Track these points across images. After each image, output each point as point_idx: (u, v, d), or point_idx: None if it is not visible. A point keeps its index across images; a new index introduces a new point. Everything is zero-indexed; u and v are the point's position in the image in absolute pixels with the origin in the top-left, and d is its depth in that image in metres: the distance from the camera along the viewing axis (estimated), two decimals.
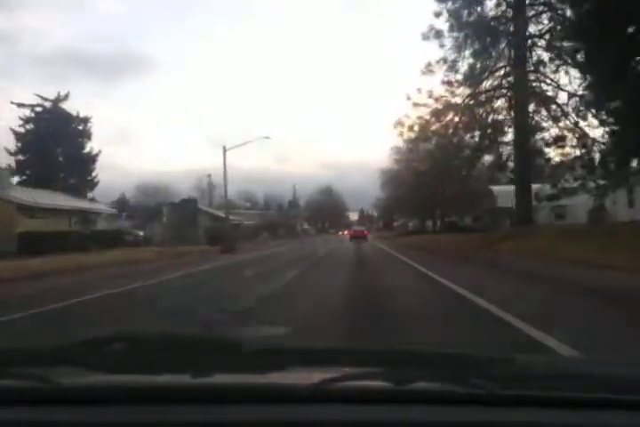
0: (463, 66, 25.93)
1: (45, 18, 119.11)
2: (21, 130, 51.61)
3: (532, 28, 25.61)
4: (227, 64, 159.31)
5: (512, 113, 26.80)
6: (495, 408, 1.16)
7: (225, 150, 41.82)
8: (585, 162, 24.69)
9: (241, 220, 77.64)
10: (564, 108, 26.05)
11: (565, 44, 22.18)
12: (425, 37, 25.50)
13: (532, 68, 26.26)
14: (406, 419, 1.13)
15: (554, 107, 26.37)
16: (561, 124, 26.27)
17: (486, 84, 26.50)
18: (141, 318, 7.82)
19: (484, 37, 24.75)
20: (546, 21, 25.39)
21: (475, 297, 8.62)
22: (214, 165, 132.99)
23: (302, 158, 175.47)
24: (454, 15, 24.80)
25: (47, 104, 53.23)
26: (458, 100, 26.47)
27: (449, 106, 26.33)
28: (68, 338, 4.26)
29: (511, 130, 27.57)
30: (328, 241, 53.30)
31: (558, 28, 23.89)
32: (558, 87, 25.30)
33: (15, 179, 47.06)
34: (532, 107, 26.58)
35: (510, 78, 26.28)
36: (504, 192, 45.36)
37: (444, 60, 25.49)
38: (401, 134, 28.48)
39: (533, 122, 26.78)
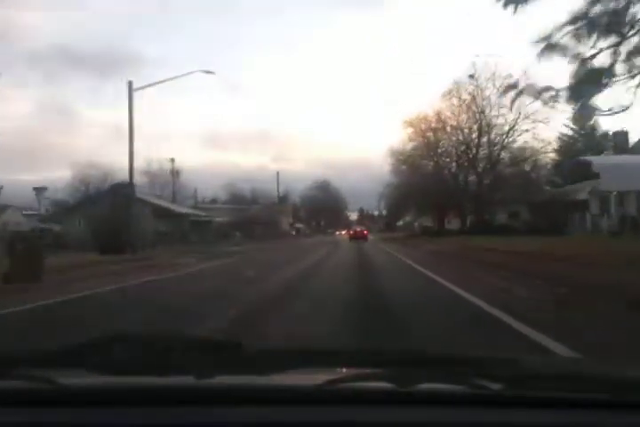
0: None
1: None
2: None
3: None
4: (223, 62, 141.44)
5: None
6: (497, 409, 1.14)
7: (131, 88, 24.42)
8: None
9: (211, 216, 60.48)
10: None
11: None
12: None
13: None
14: (409, 420, 1.12)
15: None
16: None
17: None
18: None
19: None
20: None
21: None
22: (210, 162, 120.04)
23: (300, 157, 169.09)
24: None
25: None
26: None
27: None
28: None
29: None
30: (317, 246, 35.92)
31: None
32: None
33: None
34: None
35: None
36: (615, 166, 27.17)
37: None
38: None
39: None
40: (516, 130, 43.21)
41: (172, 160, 62.36)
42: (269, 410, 1.13)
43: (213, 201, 74.40)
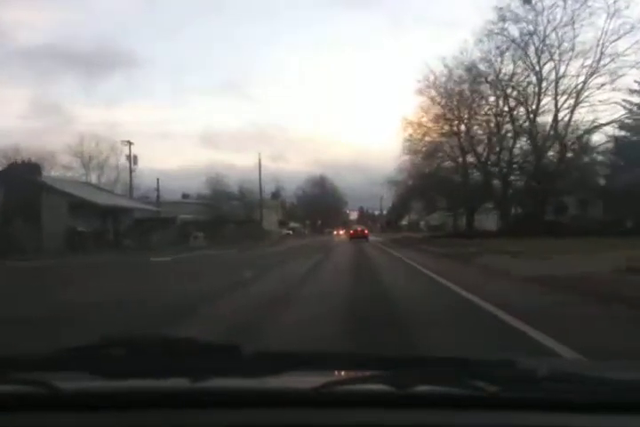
0: None
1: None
2: None
3: None
4: (220, 60, 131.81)
5: None
6: (496, 411, 1.12)
7: None
8: None
9: (173, 213, 47.09)
10: None
11: None
12: None
13: None
14: (408, 422, 1.10)
15: None
16: None
17: None
18: None
19: None
20: None
21: None
22: (203, 161, 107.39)
23: (298, 158, 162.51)
24: None
25: None
26: None
27: None
28: None
29: None
30: (297, 255, 22.60)
31: None
32: None
33: None
34: None
35: None
36: None
37: None
38: None
39: None
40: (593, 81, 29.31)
41: (129, 143, 49.07)
42: (267, 413, 1.12)
43: (185, 196, 60.89)
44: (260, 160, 56.05)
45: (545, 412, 1.11)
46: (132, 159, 49.03)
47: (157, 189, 50.55)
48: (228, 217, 49.15)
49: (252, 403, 1.14)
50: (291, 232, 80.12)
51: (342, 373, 1.44)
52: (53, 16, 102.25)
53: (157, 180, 52.20)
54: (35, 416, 1.14)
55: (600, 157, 33.53)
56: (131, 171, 48.78)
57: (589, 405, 1.13)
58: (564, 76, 29.44)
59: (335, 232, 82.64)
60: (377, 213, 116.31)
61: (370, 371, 1.37)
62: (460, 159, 36.34)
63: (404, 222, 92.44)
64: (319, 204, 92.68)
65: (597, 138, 31.92)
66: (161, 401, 1.16)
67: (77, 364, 1.41)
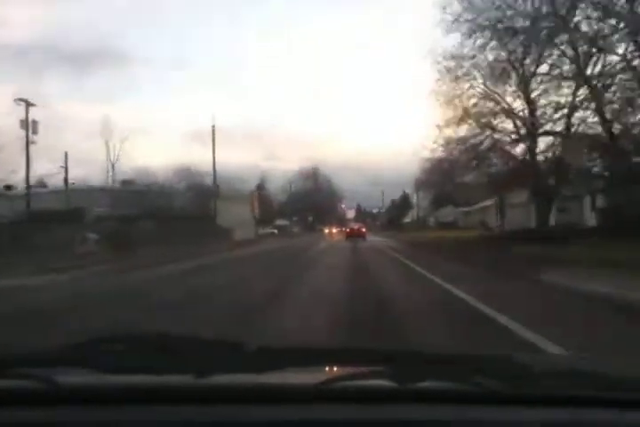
0: None
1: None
2: None
3: None
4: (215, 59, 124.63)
5: None
6: (494, 407, 1.11)
7: None
8: None
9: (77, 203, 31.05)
10: None
11: None
12: None
13: None
14: (407, 418, 1.08)
15: None
16: None
17: None
18: None
19: None
20: None
21: None
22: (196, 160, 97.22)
23: (292, 157, 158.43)
24: None
25: None
26: None
27: None
28: None
29: None
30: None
31: None
32: None
33: None
34: None
35: None
36: None
37: None
38: None
39: None
40: None
41: (27, 104, 32.82)
42: (270, 408, 1.09)
43: (126, 183, 44.62)
44: (213, 130, 39.61)
45: (544, 407, 1.09)
46: (31, 126, 33.03)
47: (65, 168, 34.39)
48: (155, 211, 32.86)
49: (253, 399, 1.12)
50: (275, 231, 64.71)
51: (344, 368, 1.41)
52: (39, 11, 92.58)
53: (65, 153, 36.04)
54: (34, 411, 1.11)
55: None
56: (28, 142, 32.61)
57: (585, 400, 1.11)
58: None
59: (327, 230, 66.15)
60: (375, 211, 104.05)
61: (371, 367, 1.34)
62: (526, 107, 20.95)
63: (407, 220, 78.74)
64: (312, 201, 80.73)
65: None
66: (162, 397, 1.13)
67: (78, 359, 1.37)
